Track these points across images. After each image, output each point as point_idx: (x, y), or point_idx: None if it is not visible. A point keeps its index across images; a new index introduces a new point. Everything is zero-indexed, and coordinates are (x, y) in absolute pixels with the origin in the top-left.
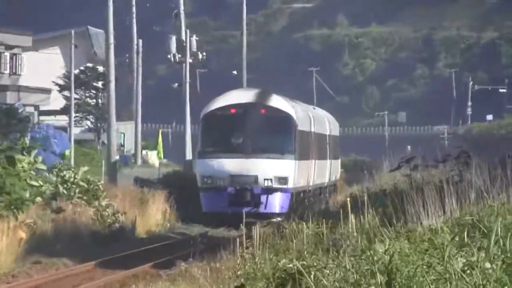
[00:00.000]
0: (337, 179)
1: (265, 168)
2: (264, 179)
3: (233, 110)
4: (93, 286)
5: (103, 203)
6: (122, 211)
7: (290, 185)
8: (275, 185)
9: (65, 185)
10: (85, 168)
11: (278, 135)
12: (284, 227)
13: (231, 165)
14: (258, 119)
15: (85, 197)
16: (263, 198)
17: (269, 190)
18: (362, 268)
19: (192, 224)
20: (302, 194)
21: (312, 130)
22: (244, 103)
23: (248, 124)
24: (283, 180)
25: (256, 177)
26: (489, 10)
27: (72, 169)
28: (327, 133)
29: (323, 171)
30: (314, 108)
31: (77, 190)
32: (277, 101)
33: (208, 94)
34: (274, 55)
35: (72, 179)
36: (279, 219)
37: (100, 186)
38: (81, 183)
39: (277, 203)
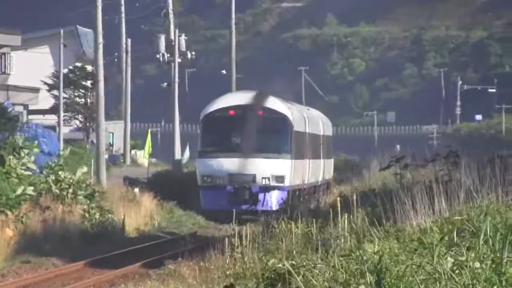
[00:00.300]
0: (330, 177)
1: (262, 167)
2: (262, 178)
3: (231, 112)
4: (82, 286)
5: (93, 204)
6: (111, 210)
7: (287, 183)
8: (272, 183)
9: (59, 185)
10: (84, 169)
11: (275, 136)
12: (274, 226)
13: (230, 164)
14: (256, 120)
15: (79, 197)
16: (260, 196)
17: (267, 188)
18: (352, 267)
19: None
20: (297, 192)
21: (307, 130)
22: (242, 105)
23: (246, 125)
24: (280, 178)
25: (254, 176)
26: (478, 10)
27: (65, 170)
28: (321, 133)
29: (317, 170)
30: (308, 109)
31: (70, 191)
32: (274, 103)
33: (197, 94)
34: (263, 55)
35: (68, 180)
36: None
37: (94, 188)
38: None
39: (274, 200)
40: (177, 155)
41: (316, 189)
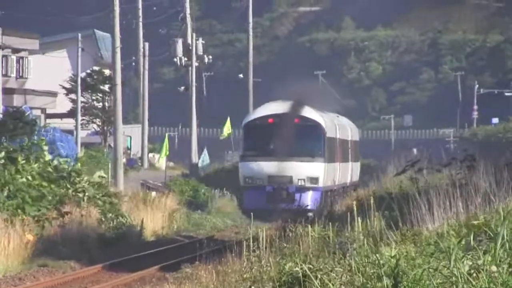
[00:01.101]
0: (357, 179)
1: (298, 170)
2: (298, 179)
3: (270, 120)
4: None
5: (109, 206)
6: (129, 213)
7: (320, 184)
8: (307, 184)
9: (75, 188)
10: (101, 173)
11: (309, 141)
12: (291, 230)
13: (269, 167)
14: (292, 128)
15: (96, 199)
16: (297, 195)
17: (302, 189)
18: (369, 271)
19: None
20: (329, 192)
21: (337, 136)
22: (280, 114)
23: (284, 131)
24: (314, 180)
25: (291, 178)
26: (494, 14)
27: (81, 173)
28: (349, 138)
29: (346, 172)
30: (337, 116)
31: (86, 194)
32: (308, 112)
33: (214, 98)
34: (280, 59)
35: (84, 182)
36: (310, 214)
37: (111, 189)
38: (93, 190)
39: (309, 199)
40: (194, 159)
41: (345, 189)
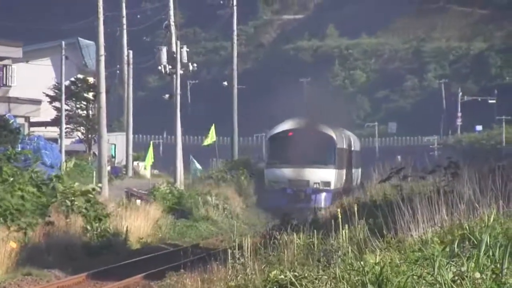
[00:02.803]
0: (359, 182)
1: (314, 175)
2: (314, 183)
3: (290, 133)
4: None
5: (93, 213)
6: (114, 222)
7: (332, 187)
8: (321, 187)
9: (65, 198)
10: (92, 186)
11: (323, 151)
12: (275, 237)
13: (289, 172)
14: (309, 140)
15: (79, 206)
16: (313, 196)
17: (317, 191)
18: (353, 278)
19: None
20: (336, 194)
21: (345, 147)
22: (298, 128)
23: (302, 143)
24: (327, 183)
25: (308, 182)
26: (478, 21)
27: (65, 181)
28: (353, 149)
29: (353, 176)
30: (343, 130)
31: (76, 203)
32: (322, 126)
33: (199, 106)
34: (264, 66)
35: (67, 190)
36: (323, 212)
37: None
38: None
39: (323, 199)
40: (179, 167)
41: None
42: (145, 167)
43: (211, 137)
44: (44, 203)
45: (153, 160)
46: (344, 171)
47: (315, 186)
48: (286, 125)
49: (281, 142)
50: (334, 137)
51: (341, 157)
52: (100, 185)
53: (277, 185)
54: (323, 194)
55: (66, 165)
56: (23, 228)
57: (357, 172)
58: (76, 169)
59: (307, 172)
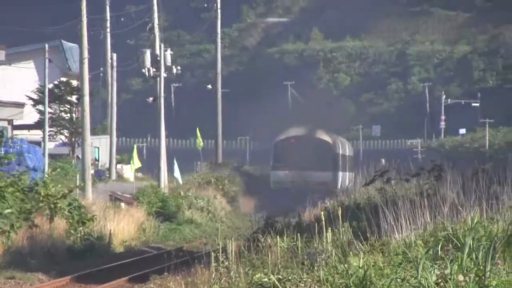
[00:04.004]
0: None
1: (313, 177)
2: (313, 184)
3: (293, 140)
4: None
5: (76, 215)
6: (98, 225)
7: (330, 187)
8: (320, 187)
9: (47, 201)
10: (75, 192)
11: (322, 156)
12: (259, 240)
13: (292, 174)
14: (309, 146)
15: (62, 209)
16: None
17: (316, 191)
18: (337, 281)
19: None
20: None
21: (340, 152)
22: (300, 135)
23: (303, 148)
24: (325, 184)
25: (308, 183)
26: (462, 25)
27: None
28: (347, 154)
29: (345, 179)
30: (338, 137)
31: (59, 206)
32: (321, 134)
33: (182, 108)
34: (249, 69)
35: (50, 194)
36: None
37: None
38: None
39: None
40: (163, 170)
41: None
42: (133, 169)
43: (199, 141)
44: (28, 208)
45: (140, 164)
46: (340, 174)
47: (314, 187)
48: (289, 133)
49: (284, 148)
50: (332, 143)
51: (338, 161)
52: (82, 184)
53: (281, 186)
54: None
55: (49, 170)
56: (6, 231)
57: (351, 175)
58: (59, 173)
59: (307, 174)
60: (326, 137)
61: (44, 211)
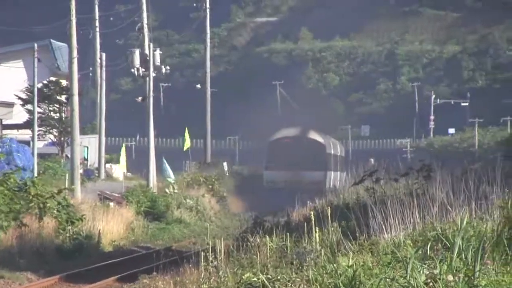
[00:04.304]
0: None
1: (306, 176)
2: (306, 183)
3: (287, 140)
4: None
5: (65, 215)
6: (87, 224)
7: (322, 186)
8: (313, 187)
9: (37, 201)
10: (63, 194)
11: (315, 156)
12: (248, 240)
13: (285, 174)
14: (302, 146)
15: (52, 209)
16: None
17: (309, 190)
18: (326, 281)
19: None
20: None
21: (332, 152)
22: (294, 136)
23: (296, 149)
24: (318, 183)
25: (301, 182)
26: (451, 25)
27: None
28: (338, 154)
29: (337, 178)
30: (331, 138)
31: (48, 205)
32: (314, 135)
33: (172, 108)
34: (238, 69)
35: (40, 194)
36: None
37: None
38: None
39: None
40: (152, 170)
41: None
42: (121, 167)
43: (187, 142)
44: (18, 209)
45: (124, 163)
46: (332, 173)
47: (307, 187)
48: (282, 133)
49: (278, 148)
50: (324, 143)
51: (330, 161)
52: (73, 186)
53: (274, 186)
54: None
55: (41, 171)
56: None
57: (342, 175)
58: (48, 172)
59: (300, 173)
60: (319, 138)
61: (34, 211)
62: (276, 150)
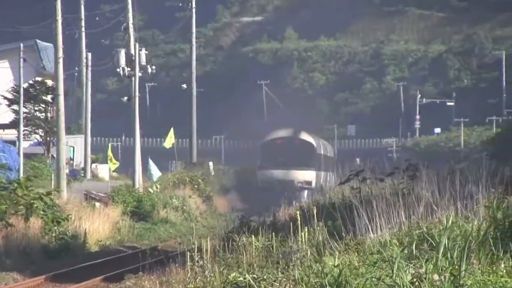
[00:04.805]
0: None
1: (298, 176)
2: (298, 182)
3: (279, 141)
4: None
5: (51, 214)
6: (72, 224)
7: (313, 185)
8: (304, 186)
9: (24, 201)
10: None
11: (305, 156)
12: (234, 240)
13: (278, 174)
14: (294, 147)
15: (38, 210)
16: (297, 193)
17: (301, 189)
18: (312, 281)
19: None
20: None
21: (322, 153)
22: (285, 137)
23: (288, 150)
24: (308, 183)
25: (293, 181)
26: (436, 24)
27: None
28: (328, 154)
29: (327, 178)
30: (320, 139)
31: (35, 206)
32: (305, 136)
33: (157, 108)
34: (223, 69)
35: (26, 195)
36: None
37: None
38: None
39: (305, 196)
40: (138, 169)
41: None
42: (111, 167)
43: (170, 139)
44: (3, 209)
45: (117, 164)
46: (322, 173)
47: (299, 185)
48: (274, 134)
49: (271, 149)
50: (315, 144)
51: (319, 161)
52: (60, 188)
53: (267, 184)
54: (305, 192)
55: (30, 174)
56: None
57: (332, 175)
58: (34, 172)
59: (292, 173)
60: (310, 139)
61: (21, 211)
62: (269, 151)
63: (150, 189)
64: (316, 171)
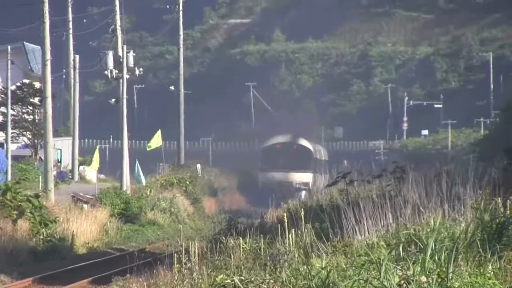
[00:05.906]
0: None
1: (296, 178)
2: (296, 184)
3: (278, 146)
4: None
5: (38, 216)
6: (60, 226)
7: (310, 186)
8: (302, 187)
9: (12, 204)
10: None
11: (303, 160)
12: (222, 242)
13: (278, 176)
14: (293, 151)
15: (29, 215)
16: (295, 194)
17: (299, 190)
18: (300, 283)
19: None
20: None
21: (318, 157)
22: (284, 142)
23: (287, 154)
24: (306, 184)
25: (291, 182)
26: (424, 26)
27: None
28: (322, 158)
29: (321, 180)
30: (315, 144)
31: (22, 207)
32: (303, 141)
33: (145, 110)
34: (211, 71)
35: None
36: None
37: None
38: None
39: (303, 196)
40: (126, 171)
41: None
42: (92, 167)
43: (156, 141)
44: None
45: (99, 165)
46: (318, 175)
47: (297, 186)
48: (275, 139)
49: (271, 152)
50: (312, 149)
51: (316, 164)
52: (49, 189)
53: (268, 186)
54: (303, 192)
55: (15, 176)
56: None
57: (326, 177)
58: (22, 174)
59: (291, 175)
60: (308, 144)
61: (10, 214)
62: (269, 155)
63: (146, 192)
64: (313, 174)
